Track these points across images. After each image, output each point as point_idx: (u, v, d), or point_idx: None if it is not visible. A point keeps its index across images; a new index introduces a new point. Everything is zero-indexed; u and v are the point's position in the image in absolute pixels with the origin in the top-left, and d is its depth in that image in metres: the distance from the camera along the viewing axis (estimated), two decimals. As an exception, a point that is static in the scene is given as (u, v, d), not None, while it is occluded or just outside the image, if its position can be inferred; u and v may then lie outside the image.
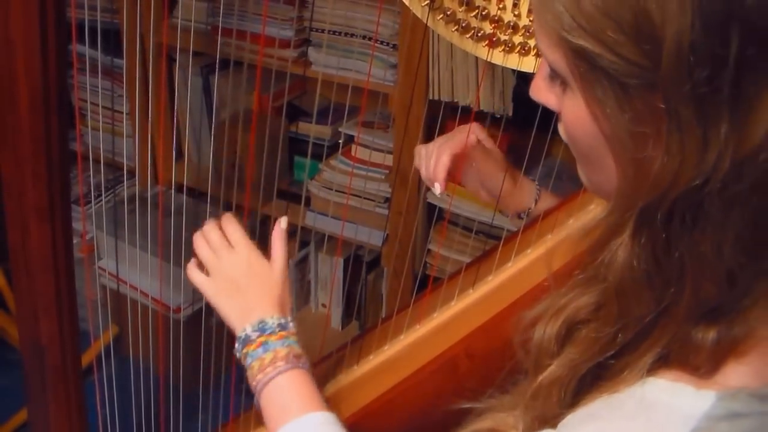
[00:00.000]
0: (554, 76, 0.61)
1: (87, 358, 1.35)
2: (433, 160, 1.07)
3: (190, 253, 0.98)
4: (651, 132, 0.54)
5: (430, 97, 1.79)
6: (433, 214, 2.00)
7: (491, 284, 1.06)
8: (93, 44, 1.81)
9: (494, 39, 0.93)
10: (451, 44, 0.99)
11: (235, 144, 2.02)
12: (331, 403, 0.92)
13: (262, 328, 0.90)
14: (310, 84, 2.23)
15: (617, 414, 0.58)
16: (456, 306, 1.06)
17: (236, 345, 0.91)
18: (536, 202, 1.12)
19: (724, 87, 0.51)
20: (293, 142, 2.18)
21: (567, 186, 1.07)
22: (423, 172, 1.10)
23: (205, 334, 1.31)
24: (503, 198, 1.11)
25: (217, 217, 0.99)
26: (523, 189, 1.13)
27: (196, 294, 0.98)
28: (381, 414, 0.99)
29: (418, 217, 1.94)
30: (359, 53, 1.90)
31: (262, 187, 1.94)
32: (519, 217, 1.15)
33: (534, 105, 0.67)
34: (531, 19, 0.90)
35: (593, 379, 0.62)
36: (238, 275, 0.94)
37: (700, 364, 0.57)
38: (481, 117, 1.59)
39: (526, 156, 1.09)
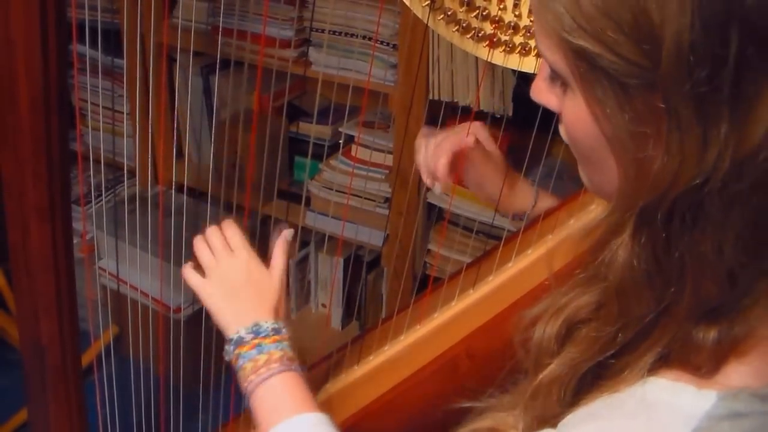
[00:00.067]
0: (555, 77, 0.61)
1: (87, 358, 1.35)
2: (432, 155, 1.07)
3: (191, 253, 0.98)
4: (651, 132, 0.55)
5: (431, 97, 1.79)
6: (434, 215, 2.00)
7: (492, 284, 1.06)
8: (93, 44, 1.80)
9: (495, 39, 0.93)
10: (452, 44, 0.99)
11: (235, 144, 2.02)
12: (332, 403, 0.92)
13: (256, 331, 0.90)
14: (310, 84, 2.23)
15: (618, 413, 0.58)
16: (456, 306, 1.06)
17: (227, 346, 0.91)
18: (533, 205, 1.12)
19: (724, 87, 0.51)
20: (293, 142, 2.17)
21: (568, 186, 1.07)
22: (421, 164, 1.09)
23: (206, 334, 1.31)
24: (500, 201, 1.11)
25: (217, 217, 0.99)
26: (520, 192, 1.13)
27: (195, 294, 0.98)
28: (381, 414, 0.99)
29: (418, 218, 1.94)
30: (359, 53, 1.90)
31: (262, 187, 1.94)
32: (517, 219, 1.14)
33: (534, 105, 0.67)
34: (531, 19, 0.91)
35: (593, 378, 0.62)
36: (236, 280, 0.94)
37: (701, 364, 0.57)
38: (481, 117, 1.58)
39: (527, 156, 1.09)
